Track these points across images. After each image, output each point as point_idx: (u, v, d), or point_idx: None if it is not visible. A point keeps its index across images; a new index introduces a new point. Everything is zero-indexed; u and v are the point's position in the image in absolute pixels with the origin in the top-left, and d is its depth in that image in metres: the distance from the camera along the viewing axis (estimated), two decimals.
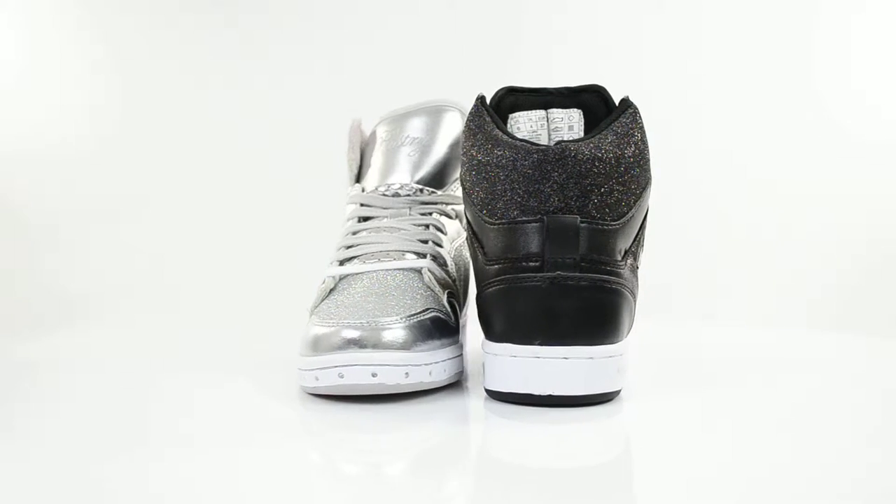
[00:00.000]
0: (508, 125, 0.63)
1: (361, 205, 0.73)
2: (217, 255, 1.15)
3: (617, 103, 0.65)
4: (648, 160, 0.63)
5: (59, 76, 1.22)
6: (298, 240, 1.07)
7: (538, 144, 0.60)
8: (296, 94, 1.23)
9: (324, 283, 0.67)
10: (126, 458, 0.53)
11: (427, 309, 0.64)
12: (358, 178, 0.76)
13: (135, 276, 1.12)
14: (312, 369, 0.62)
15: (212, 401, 0.67)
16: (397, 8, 1.24)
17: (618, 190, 0.60)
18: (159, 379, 0.75)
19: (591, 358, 0.59)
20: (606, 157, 0.60)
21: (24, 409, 0.67)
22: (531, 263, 0.59)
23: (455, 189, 0.74)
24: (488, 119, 0.62)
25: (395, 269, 0.67)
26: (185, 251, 1.15)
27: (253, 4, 1.25)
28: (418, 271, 0.67)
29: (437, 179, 0.73)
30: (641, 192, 0.62)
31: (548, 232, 0.59)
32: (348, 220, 0.73)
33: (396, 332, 0.61)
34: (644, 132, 0.62)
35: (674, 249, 1.03)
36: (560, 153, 0.59)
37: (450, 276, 0.69)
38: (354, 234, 0.71)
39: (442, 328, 0.64)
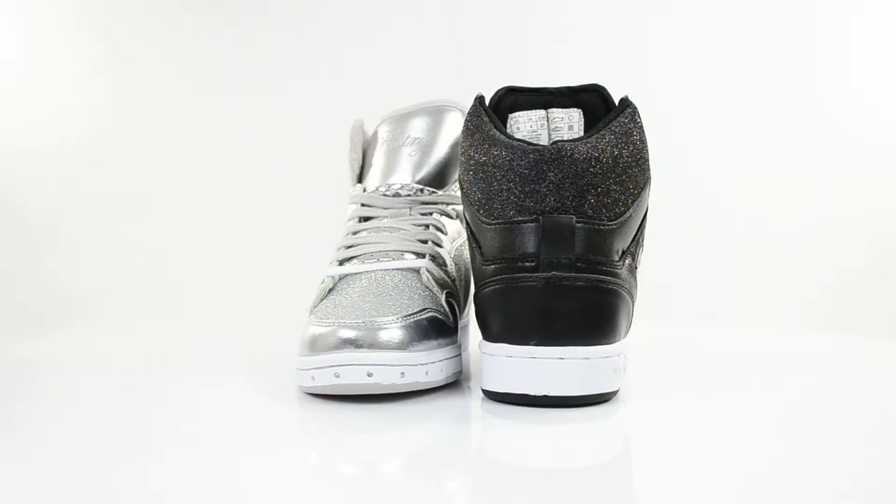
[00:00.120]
0: (508, 125, 0.63)
1: (362, 205, 0.73)
2: (217, 256, 1.15)
3: (616, 103, 0.65)
4: (647, 160, 0.63)
5: (59, 76, 1.22)
6: (299, 240, 1.07)
7: (534, 144, 0.59)
8: (296, 94, 1.23)
9: (323, 282, 0.67)
10: (126, 458, 0.53)
11: (424, 309, 0.64)
12: (360, 179, 0.76)
13: (135, 276, 1.12)
14: (309, 369, 0.62)
15: (211, 401, 0.67)
16: (397, 8, 1.24)
17: (615, 190, 0.60)
18: (159, 379, 0.75)
19: (587, 358, 0.59)
20: (603, 157, 0.60)
21: (24, 409, 0.67)
22: (527, 263, 0.59)
23: (456, 189, 0.74)
24: (486, 119, 0.62)
25: (393, 269, 0.67)
26: (185, 251, 1.15)
27: (253, 4, 1.25)
28: (417, 271, 0.67)
29: (437, 179, 0.73)
30: (640, 192, 0.62)
31: (543, 232, 0.59)
32: (349, 220, 0.73)
33: (392, 331, 0.61)
34: (643, 132, 0.62)
35: (674, 249, 1.03)
36: (556, 153, 0.59)
37: (449, 277, 0.69)
38: (355, 234, 0.71)
39: (439, 328, 0.64)
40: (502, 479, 0.50)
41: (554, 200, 0.59)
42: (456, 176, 0.74)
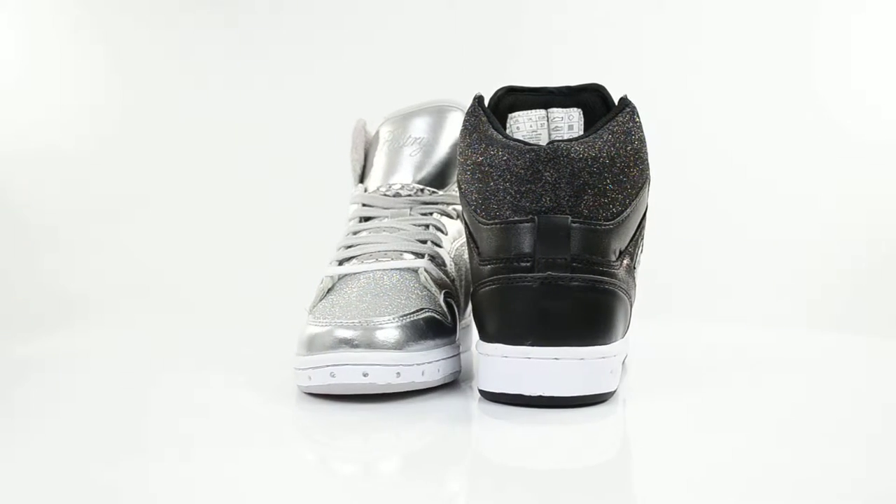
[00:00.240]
0: (508, 125, 0.63)
1: (363, 205, 0.73)
2: (218, 256, 1.15)
3: (616, 103, 0.65)
4: (646, 159, 0.62)
5: (59, 76, 1.22)
6: (300, 240, 1.07)
7: (531, 144, 0.59)
8: (295, 94, 1.23)
9: (322, 282, 0.67)
10: (125, 458, 0.53)
11: (421, 309, 0.64)
12: (361, 179, 0.76)
13: (134, 276, 1.12)
14: (306, 368, 0.62)
15: (210, 401, 0.67)
16: (397, 8, 1.24)
17: (612, 190, 0.60)
18: (159, 379, 0.75)
19: (582, 359, 0.59)
20: (600, 157, 0.59)
21: (23, 409, 0.67)
22: (523, 264, 0.59)
23: (457, 189, 0.74)
24: (484, 119, 0.62)
25: (391, 269, 0.67)
26: (185, 251, 1.15)
27: (253, 4, 1.25)
28: (415, 271, 0.67)
29: (438, 179, 0.73)
30: (638, 192, 0.62)
31: (539, 232, 0.59)
32: (350, 220, 0.73)
33: (389, 331, 0.61)
34: (641, 131, 0.62)
35: (674, 249, 1.03)
36: (552, 153, 0.59)
37: (448, 277, 0.69)
38: (355, 233, 0.71)
39: (436, 328, 0.64)
40: (498, 480, 0.50)
41: (550, 200, 0.59)
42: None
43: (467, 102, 0.68)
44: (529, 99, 0.65)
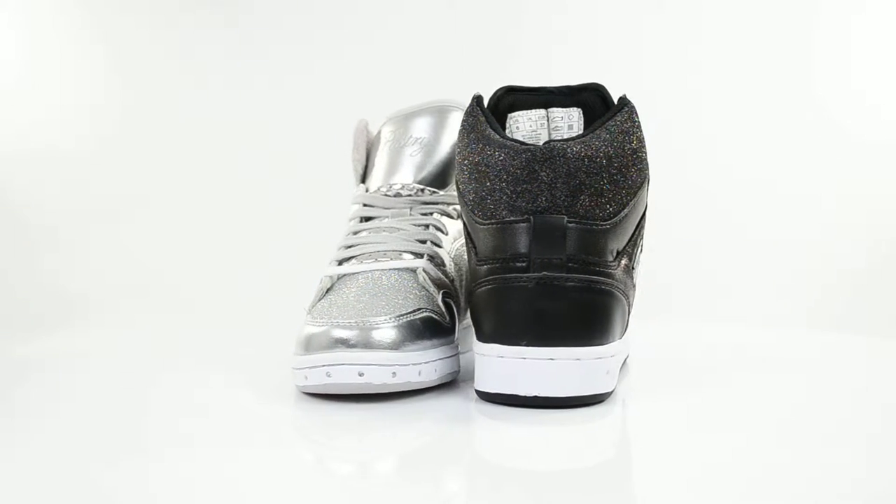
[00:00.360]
0: (508, 124, 0.63)
1: (364, 205, 0.73)
2: (218, 256, 1.15)
3: (616, 102, 0.65)
4: (644, 159, 0.62)
5: (59, 76, 1.22)
6: (300, 240, 1.07)
7: (527, 144, 0.59)
8: (295, 94, 1.23)
9: (321, 282, 0.67)
10: (125, 458, 0.53)
11: (418, 309, 0.64)
12: (363, 179, 0.76)
13: (134, 276, 1.12)
14: (303, 368, 0.62)
15: (210, 401, 0.67)
16: (397, 8, 1.24)
17: (609, 189, 0.60)
18: (158, 379, 0.75)
19: (578, 359, 0.59)
20: (597, 156, 0.59)
21: (23, 410, 0.67)
22: (519, 264, 0.59)
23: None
24: (482, 119, 0.62)
25: (390, 269, 0.67)
26: (185, 251, 1.15)
27: (253, 4, 1.25)
28: (413, 271, 0.67)
29: (439, 179, 0.73)
30: (636, 192, 0.62)
31: (534, 232, 0.59)
32: (351, 220, 0.73)
33: (385, 331, 0.61)
34: (640, 131, 0.62)
35: (674, 249, 1.03)
36: (548, 153, 0.58)
37: (447, 277, 0.69)
38: (355, 233, 0.71)
39: (434, 328, 0.64)
40: (494, 480, 0.50)
41: (546, 200, 0.59)
42: None
43: (468, 102, 0.68)
44: (529, 99, 0.65)
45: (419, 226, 0.71)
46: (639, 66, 1.18)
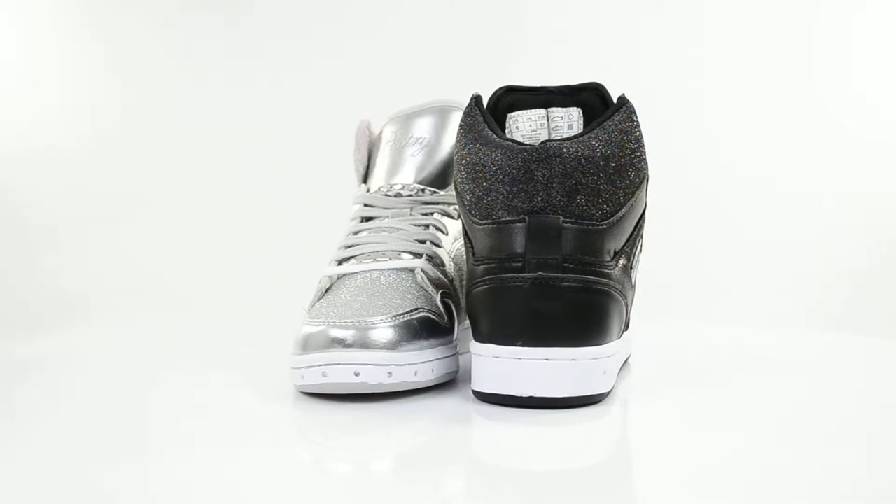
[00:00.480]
0: (507, 124, 0.63)
1: (365, 205, 0.73)
2: (218, 256, 1.15)
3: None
4: (643, 159, 0.62)
5: (59, 76, 1.22)
6: (300, 240, 1.07)
7: (523, 144, 0.59)
8: (295, 94, 1.23)
9: (320, 282, 0.67)
10: (125, 458, 0.53)
11: (416, 309, 0.64)
12: (365, 179, 0.76)
13: (134, 276, 1.12)
14: (300, 367, 0.62)
15: (210, 401, 0.67)
16: (397, 8, 1.24)
17: (606, 189, 0.59)
18: (159, 379, 0.75)
19: (573, 360, 0.58)
20: (594, 156, 0.59)
21: (23, 410, 0.67)
22: (514, 264, 0.59)
23: None
24: (480, 119, 0.62)
25: (388, 269, 0.67)
26: (185, 251, 1.15)
27: (253, 4, 1.25)
28: (412, 271, 0.67)
29: (440, 179, 0.73)
30: (634, 192, 0.61)
31: (529, 232, 0.59)
32: (352, 220, 0.73)
33: (382, 331, 0.61)
34: (639, 130, 0.62)
35: (674, 249, 1.03)
36: (544, 152, 0.58)
37: (447, 277, 0.69)
38: (356, 233, 0.72)
39: (431, 328, 0.64)
40: (491, 480, 0.50)
41: (541, 200, 0.58)
42: None
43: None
44: (529, 98, 0.65)
45: (419, 226, 0.71)
46: (639, 66, 1.18)
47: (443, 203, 0.72)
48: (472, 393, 0.63)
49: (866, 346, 0.89)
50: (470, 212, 0.61)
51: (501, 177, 0.59)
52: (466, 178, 0.61)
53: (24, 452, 0.55)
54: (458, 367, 0.68)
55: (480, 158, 0.60)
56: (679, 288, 1.06)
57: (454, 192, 0.73)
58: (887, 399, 0.68)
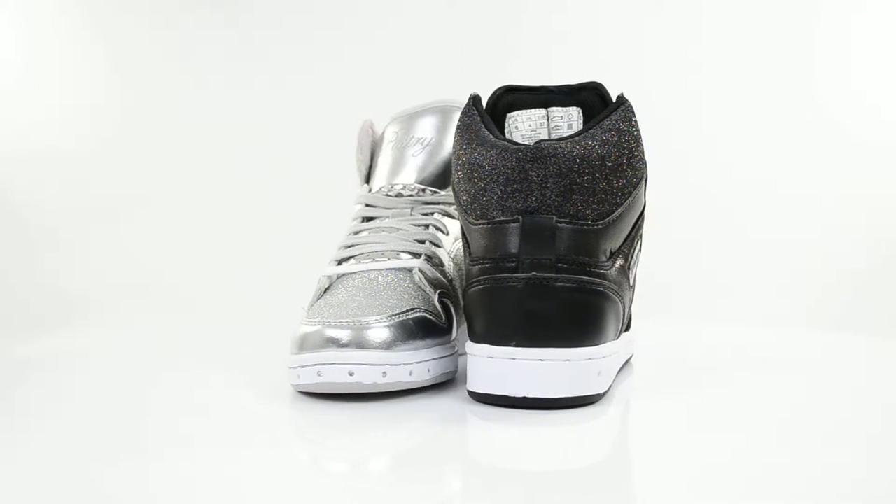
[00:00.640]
0: (507, 124, 0.63)
1: (366, 205, 0.73)
2: (218, 256, 1.15)
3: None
4: (641, 158, 0.62)
5: (59, 76, 1.22)
6: (300, 240, 1.07)
7: (518, 143, 0.59)
8: (295, 94, 1.23)
9: (319, 282, 0.67)
10: (125, 458, 0.53)
11: (412, 309, 0.64)
12: (367, 179, 0.76)
13: (134, 276, 1.12)
14: (296, 367, 0.62)
15: (211, 401, 0.67)
16: (397, 8, 1.24)
17: (602, 189, 0.59)
18: (159, 379, 0.75)
19: (568, 360, 0.58)
20: (589, 156, 0.59)
21: (23, 410, 0.67)
22: (509, 264, 0.59)
23: None
24: (477, 118, 0.62)
25: (386, 269, 0.67)
26: (185, 251, 1.15)
27: (253, 4, 1.25)
28: (410, 271, 0.67)
29: (441, 179, 0.73)
30: (631, 192, 0.61)
31: (523, 232, 0.58)
32: (353, 220, 0.73)
33: (377, 331, 0.61)
34: (636, 129, 0.62)
35: (674, 249, 1.03)
36: (538, 152, 0.58)
37: (446, 277, 0.69)
38: (356, 233, 0.72)
39: (428, 328, 0.64)
40: (487, 480, 0.50)
41: (536, 200, 0.58)
42: None
43: None
44: (528, 98, 0.65)
45: (419, 226, 0.71)
46: (638, 66, 1.18)
47: (444, 203, 0.72)
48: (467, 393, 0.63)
49: (866, 346, 0.89)
50: (466, 212, 0.61)
51: (496, 177, 0.59)
52: (463, 177, 0.61)
53: (24, 452, 0.55)
54: (456, 367, 0.68)
55: (476, 158, 0.60)
56: (679, 288, 1.06)
57: None
58: (887, 399, 0.68)
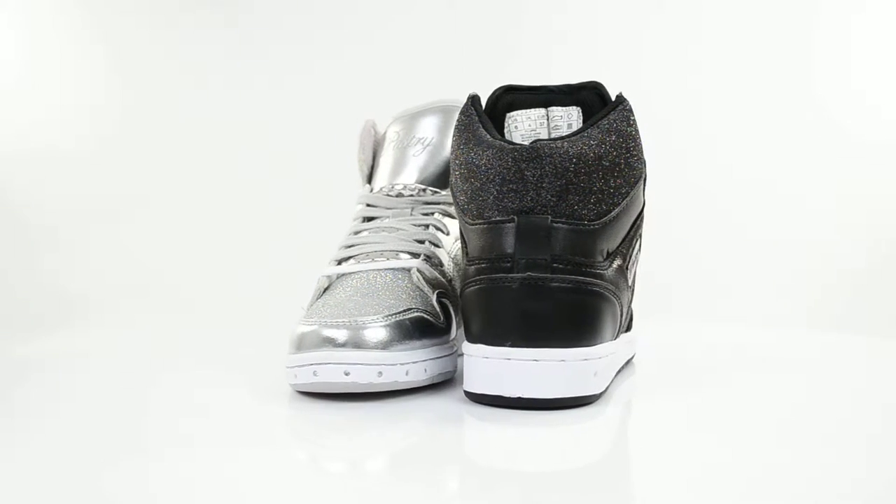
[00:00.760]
0: (507, 124, 0.63)
1: (367, 205, 0.73)
2: (218, 256, 1.15)
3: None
4: (639, 158, 0.62)
5: (59, 76, 1.22)
6: (300, 240, 1.07)
7: (515, 143, 0.59)
8: (295, 94, 1.23)
9: (319, 282, 0.68)
10: (125, 458, 0.53)
11: (410, 309, 0.64)
12: (369, 179, 0.76)
13: (134, 276, 1.12)
14: (293, 366, 0.63)
15: (210, 401, 0.67)
16: (397, 8, 1.24)
17: (599, 189, 0.59)
18: (159, 379, 0.75)
19: (563, 360, 0.58)
20: (586, 155, 0.59)
21: (23, 410, 0.67)
22: (504, 264, 0.58)
23: None
24: (475, 118, 0.62)
25: (385, 269, 0.67)
26: (185, 251, 1.15)
27: (253, 4, 1.25)
28: (408, 271, 0.67)
29: (441, 179, 0.73)
30: (628, 192, 0.61)
31: (518, 232, 0.58)
32: (354, 219, 0.73)
33: (374, 331, 0.61)
34: (635, 129, 0.61)
35: (674, 249, 1.03)
36: (534, 152, 0.58)
37: (445, 277, 0.69)
38: (356, 233, 0.72)
39: (425, 328, 0.64)
40: (484, 480, 0.50)
41: (531, 200, 0.58)
42: None
43: None
44: (528, 98, 0.65)
45: (419, 226, 0.71)
46: (638, 66, 1.18)
47: (444, 203, 0.72)
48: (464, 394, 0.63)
49: (866, 346, 0.89)
50: (463, 212, 0.61)
51: (492, 176, 0.59)
52: (460, 177, 0.61)
53: (24, 452, 0.55)
54: (455, 367, 0.68)
55: (473, 158, 0.60)
56: (679, 288, 1.06)
57: None
58: (887, 399, 0.68)
